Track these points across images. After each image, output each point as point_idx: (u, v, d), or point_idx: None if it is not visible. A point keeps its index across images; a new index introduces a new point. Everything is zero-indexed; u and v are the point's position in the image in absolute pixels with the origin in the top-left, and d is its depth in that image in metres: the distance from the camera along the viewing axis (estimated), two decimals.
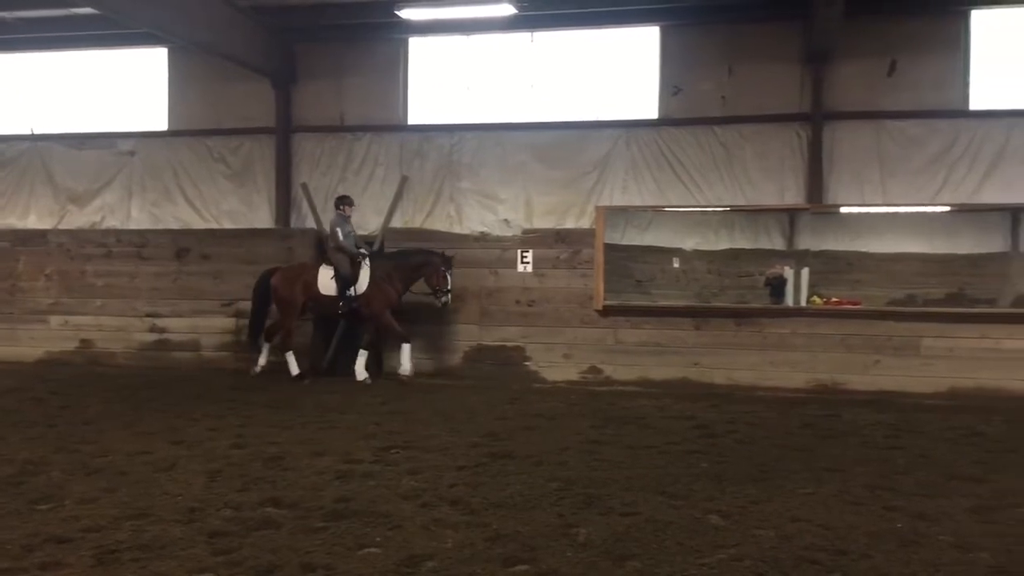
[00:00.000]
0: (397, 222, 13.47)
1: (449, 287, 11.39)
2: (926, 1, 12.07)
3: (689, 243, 13.07)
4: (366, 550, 4.77)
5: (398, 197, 13.55)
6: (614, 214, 12.49)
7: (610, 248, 11.95)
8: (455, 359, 12.23)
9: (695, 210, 12.71)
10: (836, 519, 5.40)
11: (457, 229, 13.14)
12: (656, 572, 4.48)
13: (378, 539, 4.95)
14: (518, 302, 12.03)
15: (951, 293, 11.98)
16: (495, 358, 12.07)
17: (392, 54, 13.86)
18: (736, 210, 12.52)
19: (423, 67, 13.97)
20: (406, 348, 11.34)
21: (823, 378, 10.95)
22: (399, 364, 11.36)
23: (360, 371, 11.41)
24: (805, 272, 11.41)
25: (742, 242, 12.93)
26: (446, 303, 11.46)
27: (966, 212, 11.83)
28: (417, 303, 11.79)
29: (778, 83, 12.53)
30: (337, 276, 11.42)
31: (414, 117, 13.93)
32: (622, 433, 8.21)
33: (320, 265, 11.73)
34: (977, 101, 12.09)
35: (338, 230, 11.54)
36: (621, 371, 11.56)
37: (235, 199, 14.40)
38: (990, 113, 11.99)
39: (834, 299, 11.51)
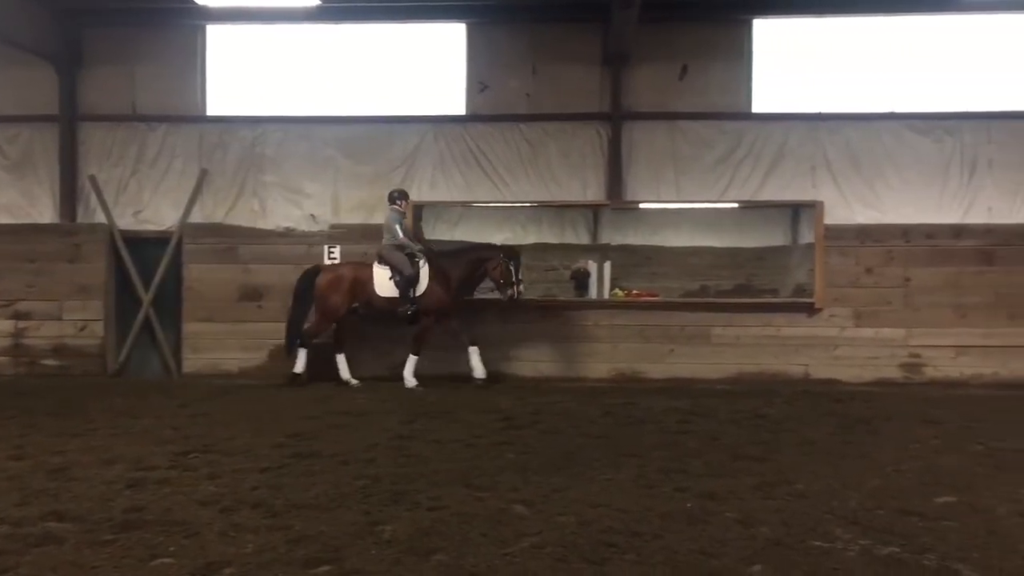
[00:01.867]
0: (197, 217, 12.90)
1: (516, 279, 10.93)
2: (714, 10, 12.78)
3: (498, 238, 13.26)
4: (159, 560, 4.55)
5: (197, 191, 12.97)
6: (423, 209, 12.50)
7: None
8: (261, 358, 11.87)
9: (503, 206, 12.92)
10: (632, 502, 5.65)
11: (261, 224, 12.75)
12: (461, 564, 4.53)
13: (172, 548, 4.73)
14: None
15: (740, 284, 12.76)
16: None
17: (188, 41, 13.23)
18: (542, 206, 12.83)
19: (225, 57, 13.42)
20: (412, 360, 11.06)
21: (623, 367, 11.43)
22: (471, 366, 11.06)
23: (478, 366, 11.05)
24: (607, 266, 11.86)
25: (549, 237, 13.26)
26: (512, 296, 10.97)
27: (753, 208, 12.65)
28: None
29: (580, 83, 12.92)
30: (400, 276, 10.91)
31: (214, 108, 13.36)
32: (430, 428, 8.24)
33: (372, 265, 11.17)
34: (759, 104, 12.93)
35: (397, 227, 11.07)
36: (431, 366, 11.59)
37: (14, 192, 13.31)
38: (771, 116, 12.84)
39: (635, 291, 12.03)
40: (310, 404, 9.60)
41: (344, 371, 11.11)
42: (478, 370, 11.05)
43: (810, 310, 11.60)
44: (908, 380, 11.32)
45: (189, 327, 12.47)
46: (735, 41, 12.83)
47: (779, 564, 4.56)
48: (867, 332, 11.52)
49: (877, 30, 12.82)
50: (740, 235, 12.89)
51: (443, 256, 11.31)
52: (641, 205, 12.71)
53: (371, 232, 11.88)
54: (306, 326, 11.26)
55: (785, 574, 4.43)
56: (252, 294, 12.38)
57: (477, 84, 13.07)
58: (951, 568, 4.49)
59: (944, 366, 11.39)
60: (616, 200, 12.61)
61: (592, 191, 12.89)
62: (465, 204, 12.84)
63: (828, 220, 11.95)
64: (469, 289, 11.37)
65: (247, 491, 5.86)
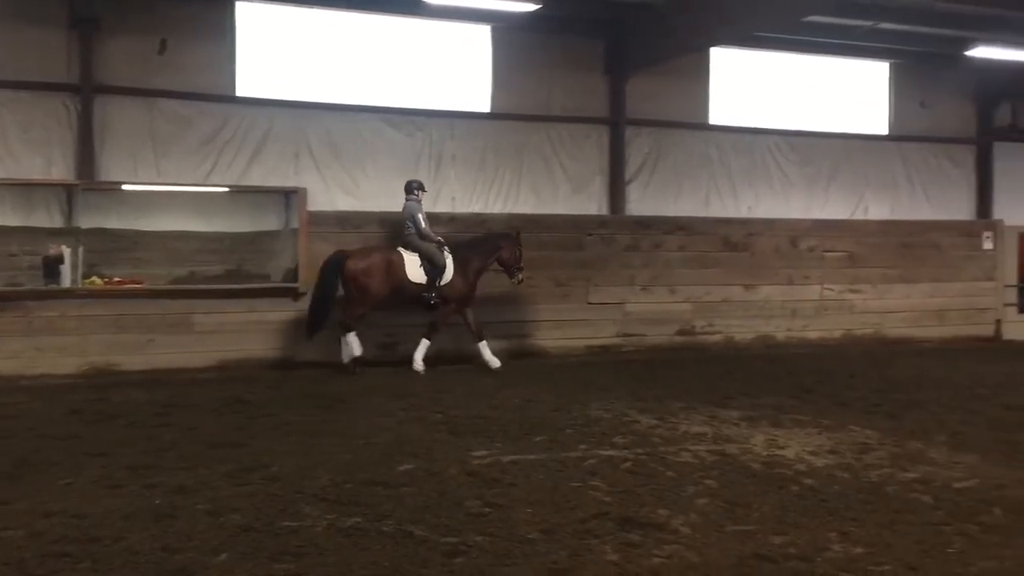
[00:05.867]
0: None
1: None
2: None
3: None
4: None
5: None
6: None
7: None
8: None
9: None
10: (92, 506, 5.25)
11: None
12: None
13: None
14: None
15: (230, 270, 12.50)
16: None
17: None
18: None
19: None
20: (425, 343, 11.10)
21: (96, 361, 10.58)
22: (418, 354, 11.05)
23: (491, 358, 11.21)
24: (80, 251, 10.87)
25: (13, 219, 11.75)
26: (521, 280, 11.54)
27: (245, 192, 12.50)
28: None
29: (44, 48, 11.67)
30: (430, 264, 10.87)
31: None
32: None
33: (396, 251, 11.00)
34: (245, 88, 12.82)
35: (420, 216, 10.99)
36: None
37: None
38: (256, 101, 12.82)
39: (116, 279, 11.20)
40: None
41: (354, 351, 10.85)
42: (492, 362, 11.22)
43: (295, 294, 11.80)
44: (384, 358, 12.04)
45: None
46: (218, 20, 12.56)
47: (247, 550, 4.57)
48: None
49: (358, 26, 13.46)
50: (232, 219, 12.60)
51: (464, 247, 11.36)
52: (126, 186, 11.82)
53: None
54: (345, 313, 10.88)
55: (251, 559, 4.45)
56: None
57: None
58: (406, 530, 4.87)
59: (416, 343, 12.31)
60: (87, 180, 11.59)
61: (58, 169, 11.75)
62: None
63: (312, 206, 12.24)
64: (478, 277, 11.43)
65: None
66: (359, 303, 10.94)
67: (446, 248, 11.19)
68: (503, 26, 13.93)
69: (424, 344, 11.20)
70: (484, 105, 14.08)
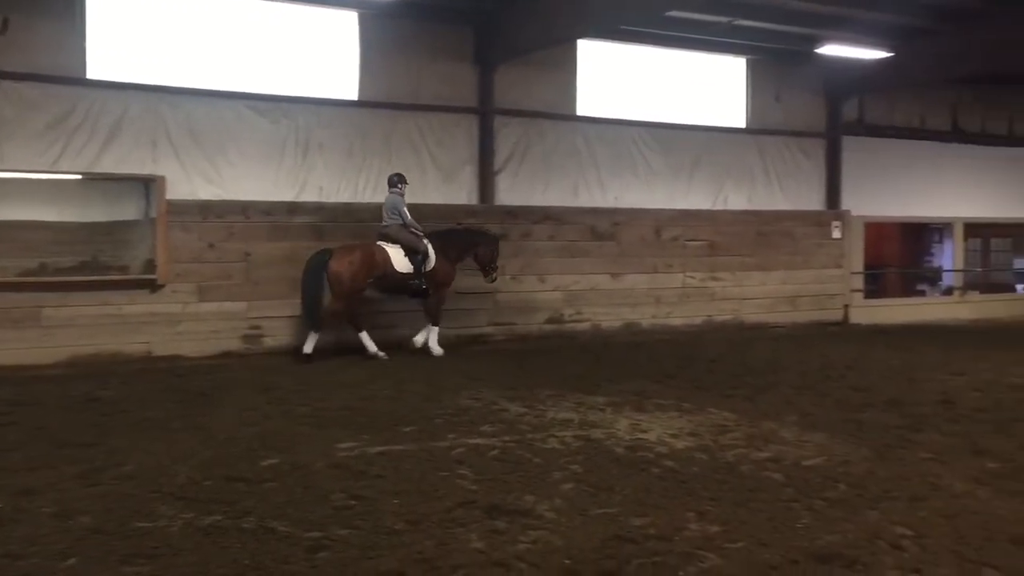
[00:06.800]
0: None
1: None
2: None
3: None
4: None
5: None
6: None
7: None
8: None
9: None
10: None
11: None
12: None
13: None
14: None
15: (85, 261, 11.91)
16: None
17: None
18: None
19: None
20: (435, 330, 11.78)
21: None
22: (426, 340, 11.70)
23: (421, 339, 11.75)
24: None
25: None
26: (495, 278, 12.28)
27: (99, 181, 11.90)
28: None
29: None
30: (412, 254, 11.37)
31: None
32: None
33: (377, 244, 11.42)
34: (96, 71, 12.19)
35: (404, 209, 11.45)
36: None
37: None
38: (109, 84, 12.21)
39: None
40: None
41: (370, 346, 11.28)
42: (420, 341, 11.71)
43: (152, 286, 11.35)
44: (249, 350, 11.73)
45: None
46: None
47: (96, 553, 4.38)
48: (210, 306, 11.64)
49: (221, 8, 12.98)
50: (86, 209, 11.98)
51: (438, 236, 11.75)
52: None
53: None
54: (330, 308, 11.26)
55: (101, 563, 4.27)
56: None
57: None
58: (268, 527, 4.76)
59: (282, 335, 12.05)
60: None
61: None
62: None
63: (171, 195, 11.78)
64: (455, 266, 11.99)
65: None
66: (346, 299, 11.23)
67: (425, 238, 11.58)
68: (371, 13, 13.72)
69: (435, 330, 11.80)
70: (352, 93, 13.84)
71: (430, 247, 11.51)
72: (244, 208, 12.04)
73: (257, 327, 11.90)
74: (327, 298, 11.27)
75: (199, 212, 11.81)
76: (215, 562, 4.27)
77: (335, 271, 11.07)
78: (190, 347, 11.41)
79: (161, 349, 11.24)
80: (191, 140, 12.51)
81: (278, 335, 11.98)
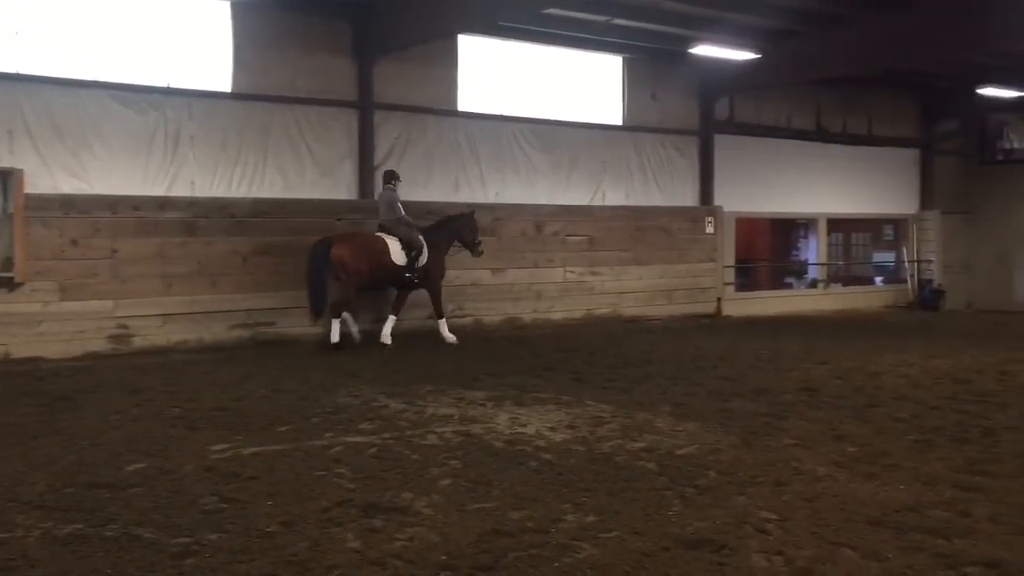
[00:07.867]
0: None
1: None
2: None
3: None
4: None
5: None
6: None
7: None
8: None
9: None
10: None
11: None
12: None
13: None
14: None
15: None
16: None
17: None
18: None
19: None
20: (443, 321, 12.58)
21: None
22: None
23: (386, 335, 12.21)
24: None
25: None
26: (481, 252, 13.03)
27: None
28: None
29: None
30: (408, 247, 11.92)
31: None
32: None
33: (378, 236, 12.01)
34: None
35: (399, 205, 12.09)
36: None
37: None
38: None
39: None
40: None
41: (335, 335, 11.70)
42: (385, 336, 12.16)
43: (10, 285, 10.76)
44: (117, 351, 11.26)
45: None
46: None
47: None
48: (74, 305, 11.12)
49: None
50: None
51: (430, 230, 12.45)
52: None
53: None
54: (334, 297, 11.73)
55: None
56: None
57: None
58: (132, 534, 4.59)
59: (152, 335, 11.61)
60: None
61: None
62: None
63: (30, 189, 11.20)
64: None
65: None
66: (348, 285, 11.71)
67: (419, 233, 12.26)
68: (243, 3, 13.34)
69: (443, 322, 12.59)
70: (226, 85, 13.42)
71: (424, 243, 12.25)
72: (111, 203, 11.56)
73: (125, 327, 11.45)
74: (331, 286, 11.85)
75: (61, 207, 11.28)
76: (74, 573, 4.09)
77: (337, 255, 11.60)
78: (52, 348, 10.89)
79: (20, 351, 10.68)
80: (52, 132, 11.90)
81: (148, 335, 11.55)
